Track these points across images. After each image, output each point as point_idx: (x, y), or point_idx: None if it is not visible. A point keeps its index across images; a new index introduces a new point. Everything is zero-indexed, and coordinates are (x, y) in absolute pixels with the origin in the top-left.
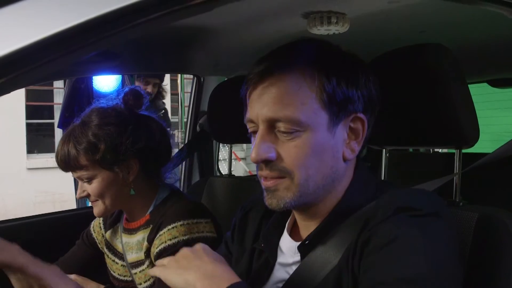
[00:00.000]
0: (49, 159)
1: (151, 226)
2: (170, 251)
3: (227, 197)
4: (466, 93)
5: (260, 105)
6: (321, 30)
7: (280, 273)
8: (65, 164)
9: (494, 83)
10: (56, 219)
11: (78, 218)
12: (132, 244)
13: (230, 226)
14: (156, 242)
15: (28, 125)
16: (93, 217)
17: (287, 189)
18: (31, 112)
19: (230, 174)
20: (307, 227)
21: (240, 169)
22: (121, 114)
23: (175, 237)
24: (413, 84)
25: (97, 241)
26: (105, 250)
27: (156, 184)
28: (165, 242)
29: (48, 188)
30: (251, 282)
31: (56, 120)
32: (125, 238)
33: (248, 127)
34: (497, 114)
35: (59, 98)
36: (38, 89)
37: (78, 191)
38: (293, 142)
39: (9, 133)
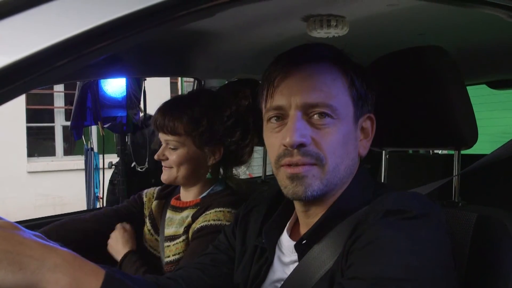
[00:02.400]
0: (49, 162)
1: (199, 207)
2: (209, 229)
3: None
4: (464, 95)
5: (296, 92)
6: (320, 33)
7: (278, 273)
8: (163, 124)
9: (493, 85)
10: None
11: None
12: (174, 219)
13: None
14: (200, 219)
15: (28, 128)
16: (108, 217)
17: (315, 176)
18: (31, 115)
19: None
20: (308, 226)
21: (239, 171)
22: (229, 106)
23: (219, 219)
24: (412, 86)
25: (145, 206)
26: (147, 218)
27: (218, 177)
28: (209, 221)
29: (48, 192)
30: (251, 281)
31: (56, 124)
32: (170, 214)
33: (268, 114)
34: (495, 115)
35: (59, 101)
36: (38, 92)
37: (159, 153)
38: (327, 128)
39: (10, 136)
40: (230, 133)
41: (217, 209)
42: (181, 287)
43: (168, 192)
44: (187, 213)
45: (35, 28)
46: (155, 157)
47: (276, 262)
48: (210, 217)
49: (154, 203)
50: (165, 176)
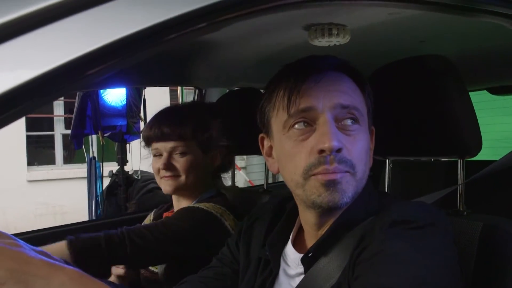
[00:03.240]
0: (49, 171)
1: None
2: (185, 209)
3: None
4: (467, 103)
5: (326, 93)
6: (322, 42)
7: (284, 285)
8: (169, 132)
9: (494, 91)
10: (76, 229)
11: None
12: None
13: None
14: None
15: (28, 137)
16: (112, 227)
17: (349, 183)
18: (31, 124)
19: (233, 185)
20: (314, 237)
21: (240, 179)
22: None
23: (197, 206)
24: (415, 95)
25: None
26: None
27: (209, 183)
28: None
29: (48, 200)
30: None
31: (56, 132)
32: None
33: (291, 121)
34: (496, 121)
35: (59, 110)
36: None
37: (165, 162)
38: (356, 135)
39: (10, 145)
40: (224, 140)
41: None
42: None
43: (164, 210)
44: None
45: (48, 46)
46: (162, 166)
47: (281, 274)
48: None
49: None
50: (170, 187)
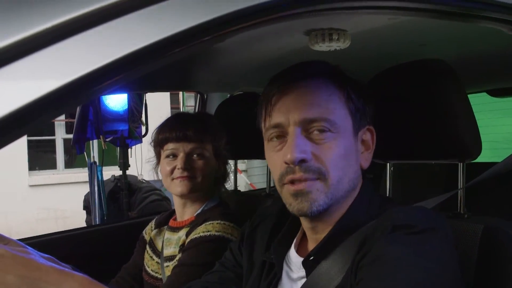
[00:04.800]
0: (50, 175)
1: (194, 224)
2: (199, 240)
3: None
4: (467, 107)
5: (293, 109)
6: (322, 46)
7: None
8: (186, 135)
9: (493, 93)
10: (79, 235)
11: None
12: (172, 240)
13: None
14: (192, 233)
15: (29, 142)
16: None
17: (319, 191)
18: None
19: (235, 190)
20: (315, 242)
21: (241, 182)
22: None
23: (208, 231)
24: (415, 99)
25: (147, 241)
26: (147, 247)
27: (213, 192)
28: (199, 233)
29: (50, 205)
30: None
31: (57, 137)
32: (168, 234)
33: (268, 132)
34: (496, 123)
35: None
36: None
37: (184, 161)
38: (326, 143)
39: (11, 150)
40: (227, 148)
41: (207, 223)
42: None
43: (165, 217)
44: (183, 232)
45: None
46: (181, 166)
47: (284, 278)
48: (200, 230)
49: (153, 232)
50: (186, 187)
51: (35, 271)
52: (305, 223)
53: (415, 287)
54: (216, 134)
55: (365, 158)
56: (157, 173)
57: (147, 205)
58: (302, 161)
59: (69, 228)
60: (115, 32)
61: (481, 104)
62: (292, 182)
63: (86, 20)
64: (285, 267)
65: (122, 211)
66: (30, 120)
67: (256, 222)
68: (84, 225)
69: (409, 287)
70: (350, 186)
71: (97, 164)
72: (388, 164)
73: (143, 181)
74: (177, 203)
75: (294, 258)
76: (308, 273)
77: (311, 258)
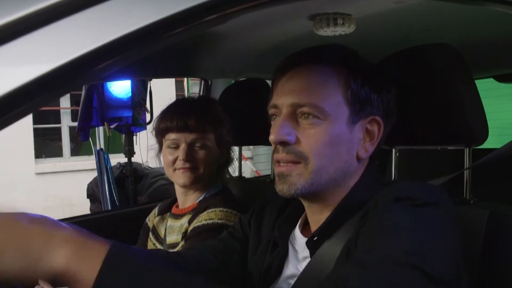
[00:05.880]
0: (57, 163)
1: (196, 211)
2: (201, 229)
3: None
4: (474, 92)
5: (287, 91)
6: (327, 31)
7: (292, 269)
8: (188, 124)
9: (501, 78)
10: (86, 221)
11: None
12: (175, 227)
13: None
14: (194, 221)
15: (35, 130)
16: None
17: (300, 175)
18: (38, 117)
19: (240, 176)
20: (316, 222)
21: (246, 169)
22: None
23: (211, 219)
24: (421, 84)
25: (150, 228)
26: (150, 234)
27: (215, 179)
28: (201, 221)
29: (56, 192)
30: (264, 273)
31: (63, 125)
32: (170, 222)
33: (269, 112)
34: (502, 109)
35: (65, 102)
36: None
37: (186, 153)
38: (313, 129)
39: (17, 138)
40: (230, 135)
41: (209, 210)
42: (190, 266)
43: (168, 204)
44: (185, 219)
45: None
46: (182, 157)
47: (290, 257)
48: (203, 217)
49: (156, 219)
50: (188, 179)
51: (19, 234)
52: (303, 203)
53: (412, 253)
54: (219, 121)
55: (365, 148)
56: (160, 160)
57: (155, 189)
58: (285, 144)
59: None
60: (114, 11)
61: (488, 90)
62: (278, 162)
63: (79, 2)
64: (290, 246)
65: (128, 198)
66: (21, 104)
67: (266, 201)
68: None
69: (405, 253)
70: (338, 174)
71: (104, 151)
72: (393, 150)
73: (148, 168)
74: (178, 191)
75: (299, 239)
76: (312, 253)
77: (315, 238)
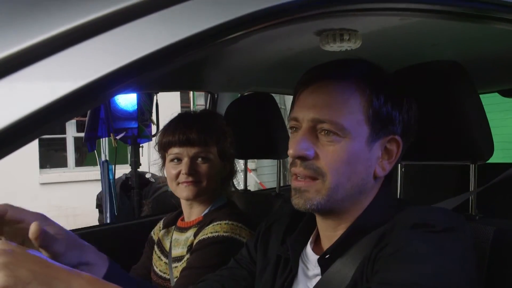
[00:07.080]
0: (61, 173)
1: (202, 225)
2: (207, 242)
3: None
4: (479, 109)
5: (309, 106)
6: (333, 47)
7: (302, 286)
8: (191, 138)
9: (505, 93)
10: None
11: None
12: (180, 240)
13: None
14: (200, 234)
15: (40, 140)
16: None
17: (317, 191)
18: None
19: (245, 190)
20: (329, 239)
21: (250, 180)
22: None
23: (216, 231)
24: (427, 100)
25: (155, 241)
26: (155, 247)
27: (219, 192)
28: (206, 234)
29: (60, 203)
30: None
31: (68, 135)
32: (176, 235)
33: (289, 124)
34: (506, 123)
35: None
36: None
37: (189, 167)
38: (332, 146)
39: (22, 148)
40: (233, 147)
41: (215, 223)
42: None
43: (173, 217)
44: (191, 232)
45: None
46: (185, 171)
47: (300, 275)
48: (208, 230)
49: (161, 232)
50: (191, 192)
51: (46, 267)
52: (317, 220)
53: (430, 282)
54: (221, 134)
55: (382, 166)
56: (164, 174)
57: (160, 194)
58: (304, 158)
59: (79, 226)
60: (129, 36)
61: (492, 104)
62: (295, 174)
63: (98, 25)
64: (300, 264)
65: (133, 209)
66: (44, 123)
67: (271, 221)
68: (96, 223)
69: (430, 280)
70: (355, 191)
71: (109, 162)
72: (399, 165)
73: (152, 180)
74: (184, 204)
75: (311, 256)
76: (323, 271)
77: (327, 256)
